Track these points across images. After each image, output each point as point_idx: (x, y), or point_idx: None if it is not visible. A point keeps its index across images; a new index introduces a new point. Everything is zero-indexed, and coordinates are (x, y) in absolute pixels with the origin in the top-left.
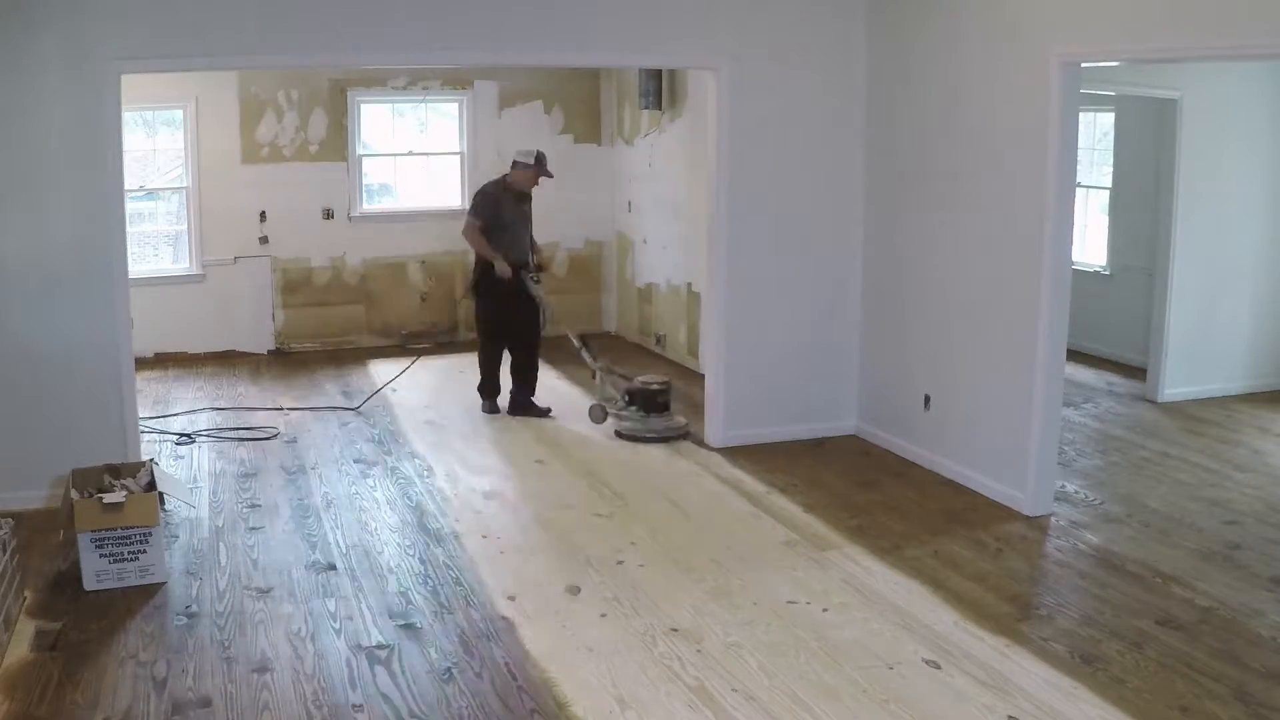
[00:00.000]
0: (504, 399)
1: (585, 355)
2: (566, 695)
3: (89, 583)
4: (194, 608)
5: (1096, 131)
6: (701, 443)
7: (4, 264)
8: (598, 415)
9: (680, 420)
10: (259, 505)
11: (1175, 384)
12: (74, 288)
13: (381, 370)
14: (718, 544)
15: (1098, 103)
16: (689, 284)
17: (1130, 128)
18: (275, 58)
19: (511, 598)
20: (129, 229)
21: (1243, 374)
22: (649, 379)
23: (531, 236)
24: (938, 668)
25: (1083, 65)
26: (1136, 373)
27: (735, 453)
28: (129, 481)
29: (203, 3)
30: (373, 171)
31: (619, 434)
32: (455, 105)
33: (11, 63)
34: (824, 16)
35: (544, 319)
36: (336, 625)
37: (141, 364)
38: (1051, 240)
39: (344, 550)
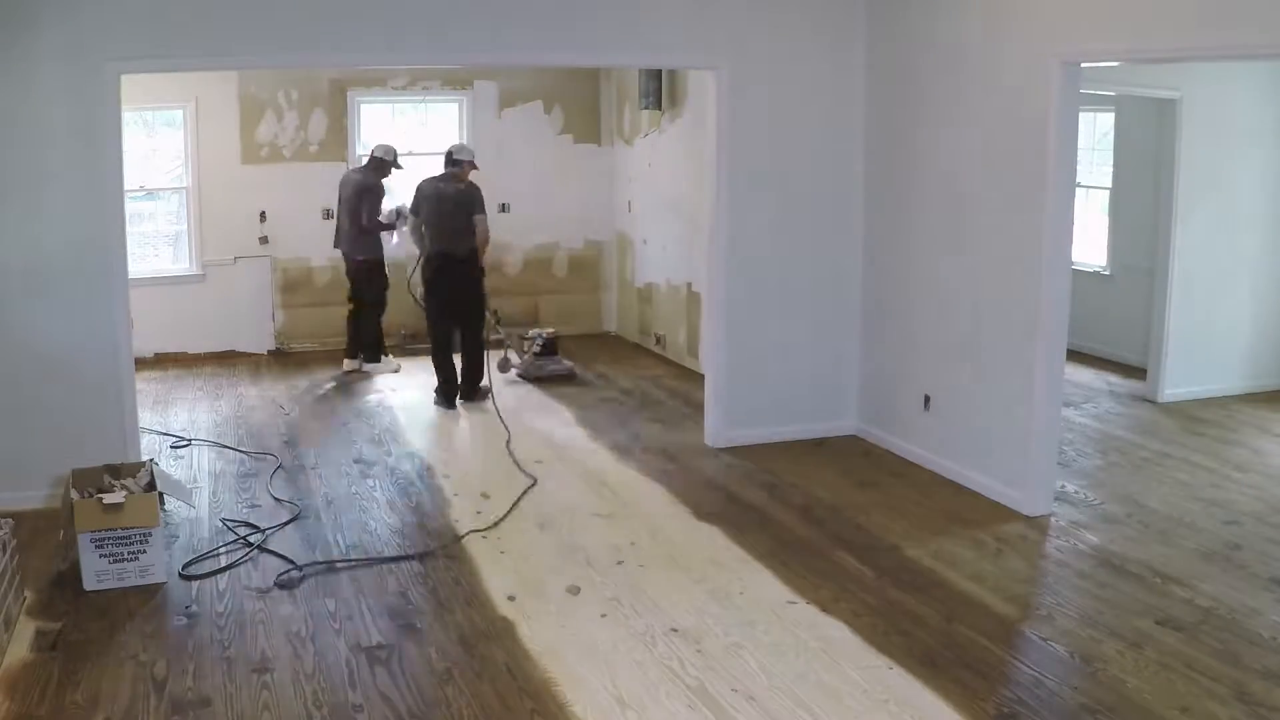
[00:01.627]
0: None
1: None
2: (566, 695)
3: (89, 583)
4: (194, 608)
5: (1096, 131)
6: (702, 443)
7: (4, 264)
8: (503, 366)
9: (566, 363)
10: (259, 505)
11: (1175, 384)
12: (74, 288)
13: (381, 369)
14: (717, 544)
15: (1098, 103)
16: (689, 284)
17: (1130, 128)
18: (275, 58)
19: (511, 598)
20: (129, 229)
21: (1243, 374)
22: (540, 330)
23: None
24: (938, 667)
25: (1083, 65)
26: (1136, 373)
27: (735, 453)
28: (129, 481)
29: (202, 3)
30: None
31: (521, 376)
32: (455, 105)
33: (12, 63)
34: (824, 16)
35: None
36: (336, 625)
37: (141, 364)
38: (1051, 240)
39: (344, 550)
